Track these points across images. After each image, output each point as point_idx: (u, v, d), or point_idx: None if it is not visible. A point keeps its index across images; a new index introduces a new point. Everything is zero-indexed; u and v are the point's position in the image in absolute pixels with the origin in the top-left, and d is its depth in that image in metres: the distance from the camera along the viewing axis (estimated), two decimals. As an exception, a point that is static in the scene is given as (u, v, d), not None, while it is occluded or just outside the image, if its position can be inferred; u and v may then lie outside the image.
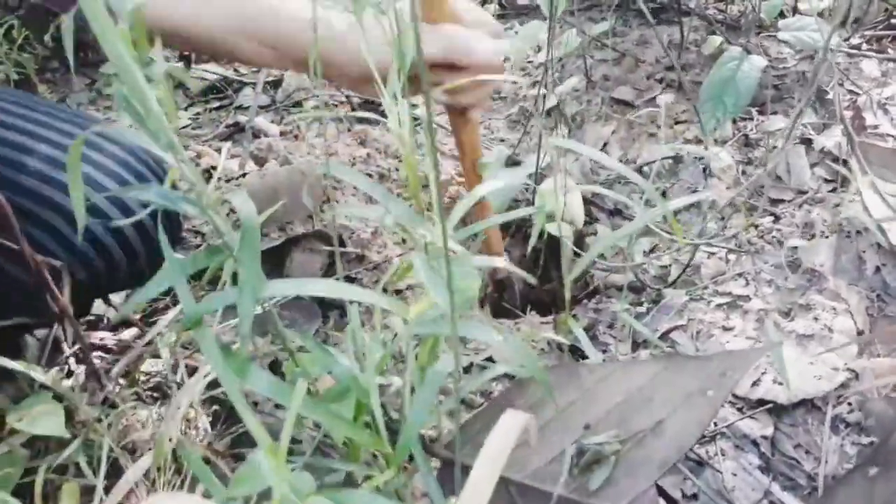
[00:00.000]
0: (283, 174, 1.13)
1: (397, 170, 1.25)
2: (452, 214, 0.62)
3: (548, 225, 1.08)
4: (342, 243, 1.06)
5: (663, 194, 1.27)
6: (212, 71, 1.73)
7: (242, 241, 0.49)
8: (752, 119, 1.36)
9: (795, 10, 1.49)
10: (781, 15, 1.44)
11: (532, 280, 0.68)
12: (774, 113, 1.37)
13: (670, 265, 1.15)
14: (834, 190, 1.20)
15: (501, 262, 0.59)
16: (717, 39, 1.23)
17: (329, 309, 1.06)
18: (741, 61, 1.15)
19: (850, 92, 1.36)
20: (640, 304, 1.12)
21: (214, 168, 1.39)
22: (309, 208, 1.09)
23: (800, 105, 0.98)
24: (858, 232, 1.09)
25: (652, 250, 1.19)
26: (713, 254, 1.16)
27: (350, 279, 1.08)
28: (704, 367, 0.61)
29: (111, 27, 0.39)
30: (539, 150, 1.19)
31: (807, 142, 1.29)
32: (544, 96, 1.16)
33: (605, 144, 1.37)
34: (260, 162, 1.27)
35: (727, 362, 0.62)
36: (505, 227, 1.29)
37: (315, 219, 1.09)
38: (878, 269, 1.03)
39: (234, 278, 0.49)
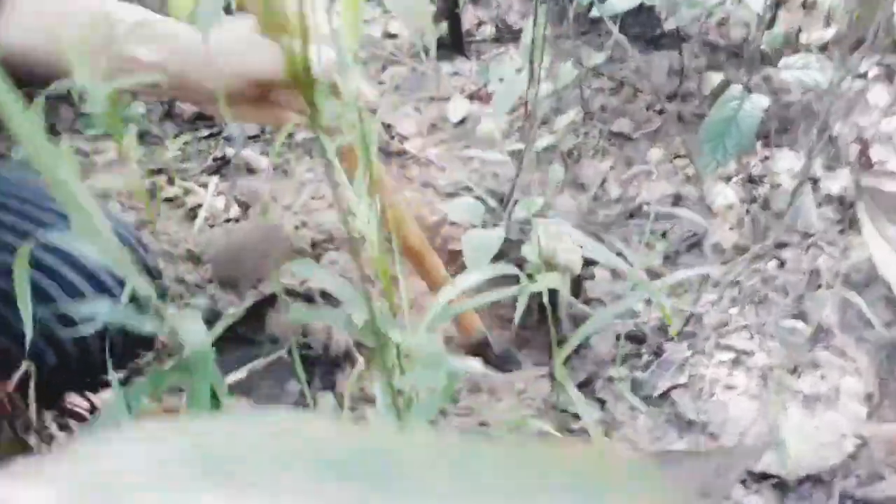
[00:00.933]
0: (250, 232, 1.09)
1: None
2: (426, 319, 0.58)
3: (539, 277, 1.04)
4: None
5: (663, 235, 1.23)
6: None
7: (194, 368, 0.45)
8: (755, 153, 1.31)
9: (798, 38, 1.44)
10: (786, 42, 1.40)
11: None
12: (779, 146, 1.32)
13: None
14: (842, 231, 1.15)
15: (476, 365, 0.55)
16: (716, 76, 1.18)
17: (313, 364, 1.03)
18: (742, 100, 1.10)
19: (857, 125, 1.31)
20: (640, 355, 1.08)
21: (200, 206, 1.35)
22: (277, 265, 1.05)
23: (807, 157, 0.94)
24: (867, 284, 1.04)
25: (649, 300, 1.14)
26: (716, 301, 1.11)
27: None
28: (702, 465, 0.57)
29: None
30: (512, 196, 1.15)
31: (813, 181, 1.24)
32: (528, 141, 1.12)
33: (603, 181, 1.32)
34: (244, 206, 1.23)
35: (725, 459, 0.58)
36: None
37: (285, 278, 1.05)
38: (887, 325, 0.99)
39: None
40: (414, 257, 0.98)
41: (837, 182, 1.20)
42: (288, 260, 1.14)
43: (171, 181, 1.47)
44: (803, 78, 1.09)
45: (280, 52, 0.68)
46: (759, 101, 1.09)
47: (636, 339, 1.11)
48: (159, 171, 1.50)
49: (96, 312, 0.49)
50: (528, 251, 1.12)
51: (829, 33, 1.35)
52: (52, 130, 1.59)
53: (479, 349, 1.12)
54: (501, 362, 1.12)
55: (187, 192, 1.41)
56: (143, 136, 1.56)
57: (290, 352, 1.00)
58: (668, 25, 1.29)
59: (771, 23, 1.39)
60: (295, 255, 1.12)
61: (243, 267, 1.04)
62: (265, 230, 1.07)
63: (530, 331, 1.26)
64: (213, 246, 1.08)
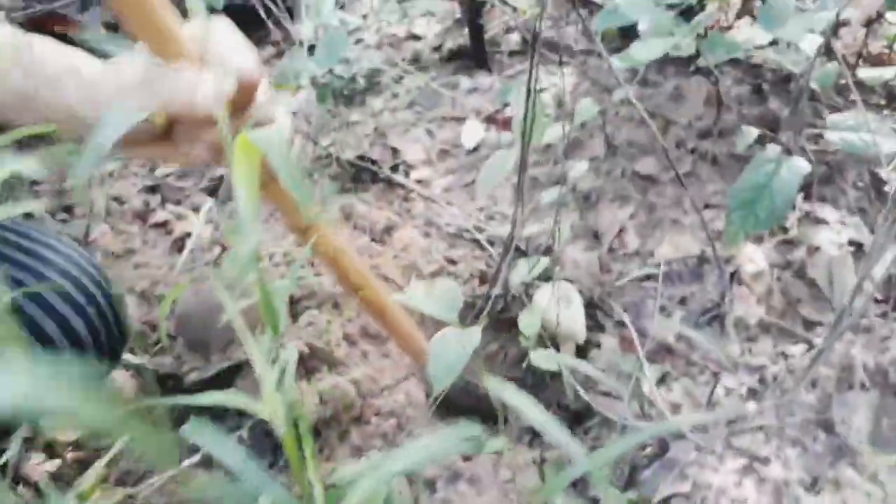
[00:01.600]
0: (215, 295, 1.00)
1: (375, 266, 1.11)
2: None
3: (534, 355, 0.94)
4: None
5: (682, 301, 1.11)
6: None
7: None
8: (793, 208, 1.17)
9: (855, 72, 1.28)
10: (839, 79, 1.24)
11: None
12: (822, 200, 1.18)
13: (681, 402, 1.00)
14: (884, 315, 1.02)
15: None
16: (751, 133, 1.04)
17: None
18: (779, 165, 0.96)
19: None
20: (644, 447, 0.97)
21: (189, 235, 1.28)
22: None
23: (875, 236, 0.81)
24: (907, 387, 0.91)
25: (663, 378, 1.03)
26: (733, 389, 0.99)
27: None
28: None
29: None
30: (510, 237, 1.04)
31: (856, 245, 1.10)
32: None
33: (620, 231, 1.20)
34: (226, 248, 1.15)
35: None
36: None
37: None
38: (926, 445, 0.86)
39: None
40: (382, 321, 0.89)
41: (888, 253, 1.06)
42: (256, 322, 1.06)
43: (163, 202, 1.39)
44: (854, 142, 0.95)
45: (184, 84, 0.58)
46: (799, 167, 0.96)
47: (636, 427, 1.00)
48: (154, 189, 1.43)
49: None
50: (525, 324, 1.02)
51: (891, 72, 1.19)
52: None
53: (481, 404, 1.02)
54: (458, 397, 1.01)
55: (179, 217, 1.34)
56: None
57: (252, 428, 0.92)
58: (703, 62, 1.15)
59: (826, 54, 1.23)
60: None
61: (212, 328, 0.96)
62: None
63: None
64: (183, 302, 1.00)
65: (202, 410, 0.98)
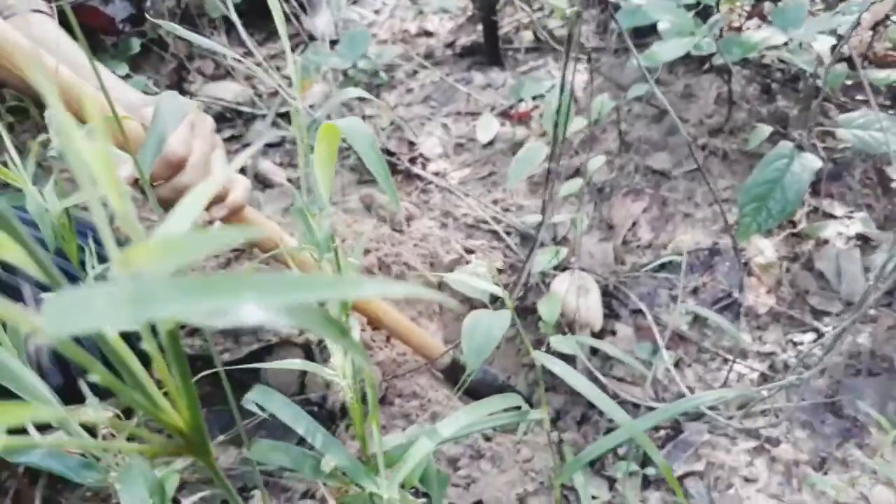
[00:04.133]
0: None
1: (398, 255, 1.15)
2: (399, 474, 0.52)
3: (553, 339, 0.97)
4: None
5: (694, 291, 1.14)
6: (218, 99, 1.62)
7: None
8: (802, 203, 1.21)
9: (864, 68, 1.32)
10: (848, 77, 1.28)
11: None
12: (830, 196, 1.22)
13: (694, 385, 1.03)
14: (889, 304, 1.06)
15: None
16: (764, 130, 1.08)
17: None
18: (791, 160, 1.00)
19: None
20: (658, 429, 1.01)
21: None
22: None
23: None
24: (912, 373, 0.95)
25: (676, 364, 1.07)
26: (744, 375, 1.03)
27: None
28: None
29: None
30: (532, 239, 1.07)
31: (863, 239, 1.14)
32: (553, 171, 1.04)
33: (633, 224, 1.24)
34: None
35: None
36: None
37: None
38: (931, 428, 0.90)
39: None
40: (400, 338, 1.00)
41: (891, 243, 1.10)
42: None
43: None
44: (865, 139, 0.99)
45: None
46: (811, 163, 0.99)
47: (653, 409, 1.04)
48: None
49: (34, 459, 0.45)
50: (543, 310, 1.06)
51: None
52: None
53: (452, 372, 1.07)
54: (478, 386, 1.06)
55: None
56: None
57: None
58: (717, 60, 1.19)
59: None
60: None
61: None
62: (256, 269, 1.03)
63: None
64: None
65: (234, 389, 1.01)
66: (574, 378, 0.56)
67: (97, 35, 1.52)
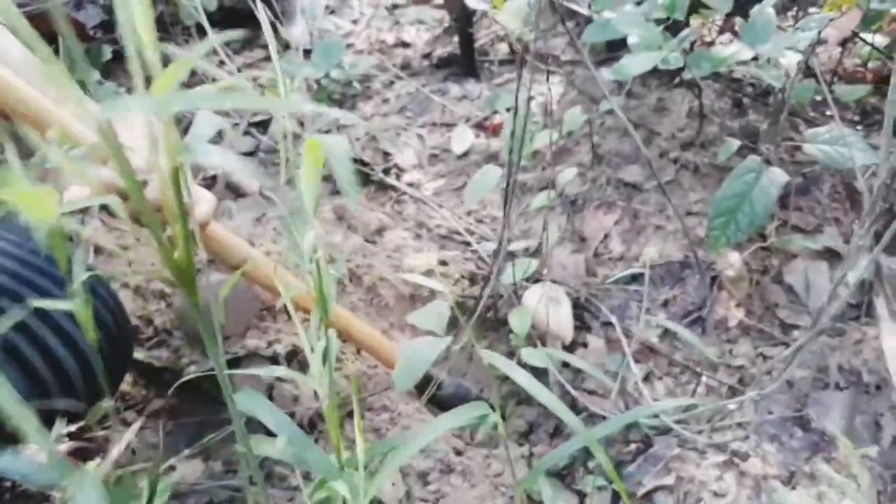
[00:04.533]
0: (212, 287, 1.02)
1: (369, 266, 1.14)
2: (374, 482, 0.52)
3: (524, 352, 0.97)
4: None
5: (665, 304, 1.15)
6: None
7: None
8: (771, 217, 1.22)
9: (831, 88, 1.34)
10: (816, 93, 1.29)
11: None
12: (799, 210, 1.23)
13: (664, 398, 1.04)
14: (857, 318, 1.07)
15: None
16: (733, 144, 1.09)
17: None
18: (759, 174, 1.01)
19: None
20: (628, 443, 1.01)
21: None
22: (243, 324, 0.99)
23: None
24: (878, 387, 0.96)
25: (647, 377, 1.07)
26: (713, 388, 1.04)
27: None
28: None
29: None
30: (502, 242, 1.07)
31: (831, 253, 1.15)
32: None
33: (605, 236, 1.24)
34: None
35: None
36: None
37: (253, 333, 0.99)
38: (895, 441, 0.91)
39: None
40: (370, 351, 1.00)
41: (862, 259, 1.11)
42: (255, 312, 1.08)
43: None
44: (832, 154, 1.00)
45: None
46: (778, 177, 1.00)
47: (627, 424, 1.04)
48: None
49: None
50: (514, 322, 1.05)
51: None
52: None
53: (423, 386, 1.06)
54: (451, 399, 1.05)
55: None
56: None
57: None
58: (687, 74, 1.19)
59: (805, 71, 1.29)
60: (265, 313, 1.06)
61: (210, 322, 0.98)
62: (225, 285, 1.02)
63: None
64: (181, 297, 1.02)
65: (200, 402, 1.00)
66: (532, 385, 0.56)
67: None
